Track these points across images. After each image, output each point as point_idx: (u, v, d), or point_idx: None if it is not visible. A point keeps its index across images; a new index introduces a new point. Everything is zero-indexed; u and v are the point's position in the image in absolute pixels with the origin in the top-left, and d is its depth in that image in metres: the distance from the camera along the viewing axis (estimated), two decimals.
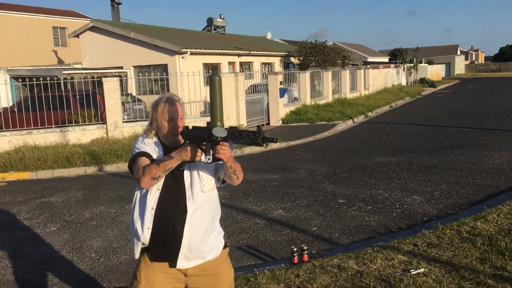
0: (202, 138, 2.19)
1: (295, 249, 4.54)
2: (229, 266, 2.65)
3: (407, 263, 4.31)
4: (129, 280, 2.62)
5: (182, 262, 2.44)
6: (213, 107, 2.16)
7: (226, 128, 2.12)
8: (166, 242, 2.44)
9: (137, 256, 2.55)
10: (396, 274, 4.09)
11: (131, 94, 16.80)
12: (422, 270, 4.12)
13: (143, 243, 2.47)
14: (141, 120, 13.39)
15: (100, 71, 18.23)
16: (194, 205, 2.43)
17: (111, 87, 12.49)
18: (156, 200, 2.43)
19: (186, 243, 2.41)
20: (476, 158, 9.20)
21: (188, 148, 2.22)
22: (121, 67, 19.68)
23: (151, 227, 2.43)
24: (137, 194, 2.52)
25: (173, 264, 2.46)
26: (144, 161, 2.40)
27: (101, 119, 12.80)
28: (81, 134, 12.23)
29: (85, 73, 17.61)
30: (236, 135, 2.09)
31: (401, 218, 5.89)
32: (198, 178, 2.45)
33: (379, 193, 7.08)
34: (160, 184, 2.42)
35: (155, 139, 2.53)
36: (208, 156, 2.21)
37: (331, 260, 4.50)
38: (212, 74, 2.16)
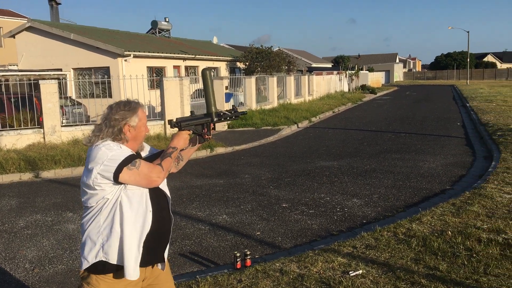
0: (206, 121, 2.57)
1: (238, 255, 4.54)
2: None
3: (347, 265, 4.43)
4: None
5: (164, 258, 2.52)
6: (209, 96, 2.59)
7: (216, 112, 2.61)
8: (161, 240, 2.43)
9: (136, 276, 2.31)
10: (336, 276, 4.19)
11: (70, 97, 16.21)
12: (361, 271, 4.25)
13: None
14: (81, 125, 12.94)
15: (37, 73, 17.46)
16: (169, 199, 2.53)
17: (48, 89, 12.00)
18: (149, 201, 2.37)
19: (169, 237, 2.52)
20: (412, 162, 9.62)
21: (185, 137, 2.48)
22: (60, 69, 18.95)
23: (149, 229, 2.34)
24: (112, 202, 2.30)
25: (158, 261, 2.48)
26: (146, 161, 2.35)
27: (38, 123, 12.25)
28: (16, 139, 11.65)
29: (21, 75, 16.80)
30: (227, 114, 2.63)
31: (341, 221, 6.04)
32: None
33: (321, 196, 7.24)
34: None
35: (124, 144, 2.38)
36: (208, 136, 2.60)
37: (274, 264, 4.54)
38: (204, 69, 2.60)
